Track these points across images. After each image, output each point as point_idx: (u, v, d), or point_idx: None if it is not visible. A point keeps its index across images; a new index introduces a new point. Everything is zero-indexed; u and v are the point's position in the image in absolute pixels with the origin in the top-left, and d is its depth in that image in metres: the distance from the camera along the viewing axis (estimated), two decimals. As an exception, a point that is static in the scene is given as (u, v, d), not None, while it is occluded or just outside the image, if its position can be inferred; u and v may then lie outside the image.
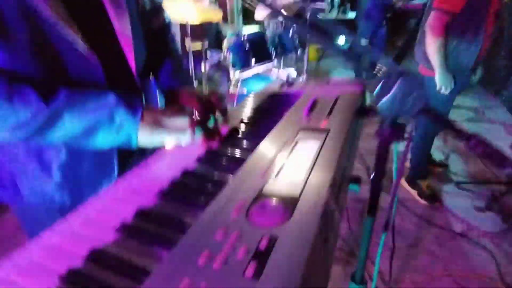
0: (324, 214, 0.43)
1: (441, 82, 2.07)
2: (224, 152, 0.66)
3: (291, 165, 0.57)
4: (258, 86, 3.10)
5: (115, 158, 0.75)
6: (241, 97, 3.12)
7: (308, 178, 0.51)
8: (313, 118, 0.76)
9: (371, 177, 0.57)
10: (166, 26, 0.96)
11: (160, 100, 0.93)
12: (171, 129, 0.62)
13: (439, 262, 2.05)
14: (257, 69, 2.93)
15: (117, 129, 0.59)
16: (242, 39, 2.74)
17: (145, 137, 0.61)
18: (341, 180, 0.57)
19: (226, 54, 2.84)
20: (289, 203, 0.45)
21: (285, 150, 0.62)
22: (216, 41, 3.46)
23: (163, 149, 0.67)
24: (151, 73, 0.90)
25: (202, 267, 0.36)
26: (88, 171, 0.73)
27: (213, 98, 0.76)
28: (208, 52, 3.38)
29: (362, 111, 0.84)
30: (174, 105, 0.77)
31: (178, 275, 0.36)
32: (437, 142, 2.67)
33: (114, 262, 0.39)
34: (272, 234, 0.40)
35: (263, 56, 2.84)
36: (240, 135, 0.74)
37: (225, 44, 2.83)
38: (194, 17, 2.70)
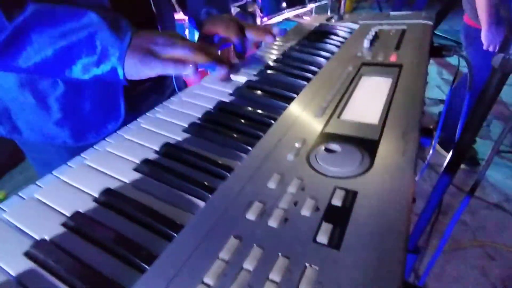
0: (415, 165, 0.31)
1: (488, 40, 1.73)
2: (266, 88, 0.53)
3: (357, 103, 0.44)
4: (288, 34, 2.83)
5: (121, 97, 0.62)
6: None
7: (386, 118, 0.38)
8: (376, 51, 0.60)
9: (460, 125, 0.43)
10: None
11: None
12: (163, 60, 0.46)
13: (469, 231, 1.94)
14: (287, 14, 2.65)
15: (98, 56, 0.45)
16: (274, -23, 2.43)
17: (132, 68, 0.47)
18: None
19: (255, -4, 2.56)
20: (367, 148, 0.33)
21: (345, 86, 0.48)
22: (244, -18, 3.14)
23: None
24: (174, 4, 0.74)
25: (254, 224, 0.26)
26: (91, 110, 0.62)
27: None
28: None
29: (433, 49, 0.67)
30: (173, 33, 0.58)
31: (222, 231, 0.25)
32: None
33: (138, 211, 0.29)
34: (349, 187, 0.28)
35: (296, 0, 2.54)
36: (283, 70, 0.60)
37: (254, -16, 2.53)
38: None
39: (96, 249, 0.26)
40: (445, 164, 0.47)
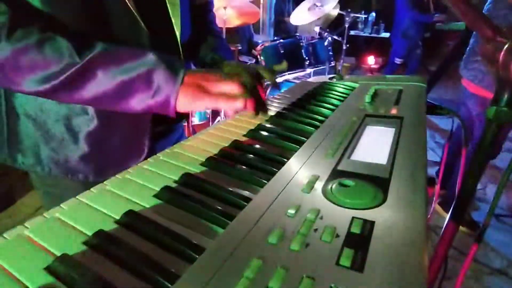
0: (426, 199, 0.32)
1: None
2: (278, 131, 0.56)
3: (365, 147, 0.47)
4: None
5: (147, 137, 0.68)
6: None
7: (394, 160, 0.40)
8: (377, 106, 0.66)
9: (463, 176, 0.46)
10: (208, 4, 0.91)
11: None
12: (215, 95, 0.53)
13: (476, 299, 1.84)
14: (288, 76, 2.86)
15: (154, 90, 0.51)
16: (277, 44, 2.68)
17: (185, 102, 0.53)
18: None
19: (258, 58, 2.78)
20: (379, 184, 0.35)
21: (351, 133, 0.52)
22: (248, 48, 3.44)
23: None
24: (192, 54, 0.84)
25: (276, 247, 0.26)
26: (117, 146, 0.66)
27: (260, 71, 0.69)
28: (240, 57, 3.35)
29: (428, 107, 0.73)
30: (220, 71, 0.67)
31: (244, 252, 0.26)
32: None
33: (159, 234, 0.30)
34: (366, 217, 0.30)
35: (296, 64, 2.76)
36: (292, 117, 0.64)
37: (258, 48, 2.78)
38: (231, 19, 2.69)
39: (118, 268, 0.26)
40: (450, 212, 0.48)
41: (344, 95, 0.78)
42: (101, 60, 0.49)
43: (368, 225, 0.28)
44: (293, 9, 6.20)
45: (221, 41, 0.87)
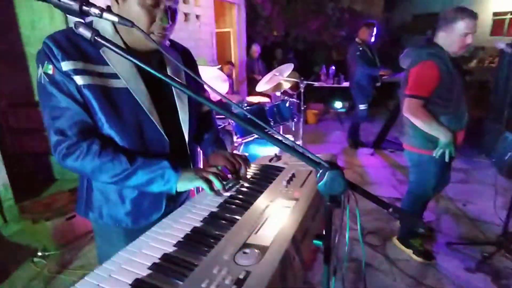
0: (283, 258, 0.67)
1: (445, 147, 2.13)
2: (225, 211, 0.92)
3: (269, 223, 0.82)
4: (258, 150, 3.43)
5: (165, 199, 1.15)
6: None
7: (277, 233, 0.76)
8: (290, 188, 1.02)
9: (324, 233, 0.81)
10: (211, 111, 1.42)
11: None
12: (201, 179, 1.00)
13: (431, 322, 2.10)
14: (256, 135, 3.29)
15: (165, 182, 0.99)
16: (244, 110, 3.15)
17: (181, 186, 1.00)
18: (303, 236, 0.81)
19: (230, 121, 3.22)
20: (262, 250, 0.70)
21: (267, 212, 0.88)
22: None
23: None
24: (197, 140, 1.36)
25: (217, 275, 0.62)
26: (147, 206, 1.13)
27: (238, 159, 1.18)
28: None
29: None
30: (207, 165, 1.14)
31: (210, 268, 0.63)
32: (429, 203, 2.81)
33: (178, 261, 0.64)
34: (248, 270, 0.64)
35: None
36: (233, 202, 1.00)
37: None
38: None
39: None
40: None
41: (274, 177, 1.15)
42: (140, 166, 0.98)
43: (247, 274, 0.63)
44: (262, 66, 6.89)
45: (217, 135, 1.39)
